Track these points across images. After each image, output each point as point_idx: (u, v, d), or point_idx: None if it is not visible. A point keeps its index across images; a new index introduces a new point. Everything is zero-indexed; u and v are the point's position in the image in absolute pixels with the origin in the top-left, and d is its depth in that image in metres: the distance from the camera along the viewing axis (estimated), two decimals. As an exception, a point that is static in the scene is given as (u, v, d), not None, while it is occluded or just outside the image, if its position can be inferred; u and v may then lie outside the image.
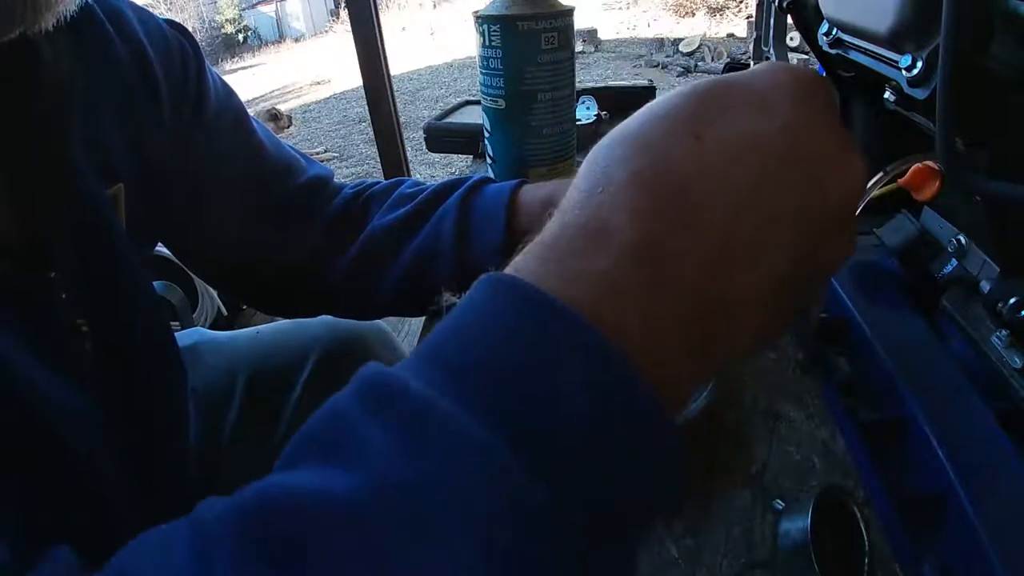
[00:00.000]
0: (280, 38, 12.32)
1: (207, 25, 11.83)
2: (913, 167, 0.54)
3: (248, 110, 0.58)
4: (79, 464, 0.35)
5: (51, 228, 0.36)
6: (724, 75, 0.24)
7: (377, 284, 0.57)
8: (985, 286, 0.52)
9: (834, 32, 0.59)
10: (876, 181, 0.54)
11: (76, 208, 0.38)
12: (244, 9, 12.77)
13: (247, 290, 0.64)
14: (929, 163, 0.54)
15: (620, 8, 9.14)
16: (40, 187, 0.35)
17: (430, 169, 3.70)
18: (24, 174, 0.34)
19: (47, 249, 0.35)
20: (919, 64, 0.45)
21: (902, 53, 0.47)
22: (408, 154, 1.78)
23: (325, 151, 4.40)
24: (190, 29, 0.53)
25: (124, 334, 0.41)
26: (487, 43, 0.65)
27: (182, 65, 0.49)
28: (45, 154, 0.35)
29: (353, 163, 4.15)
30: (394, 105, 1.69)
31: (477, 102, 0.87)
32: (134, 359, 0.42)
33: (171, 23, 0.51)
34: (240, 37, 12.53)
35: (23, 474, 0.32)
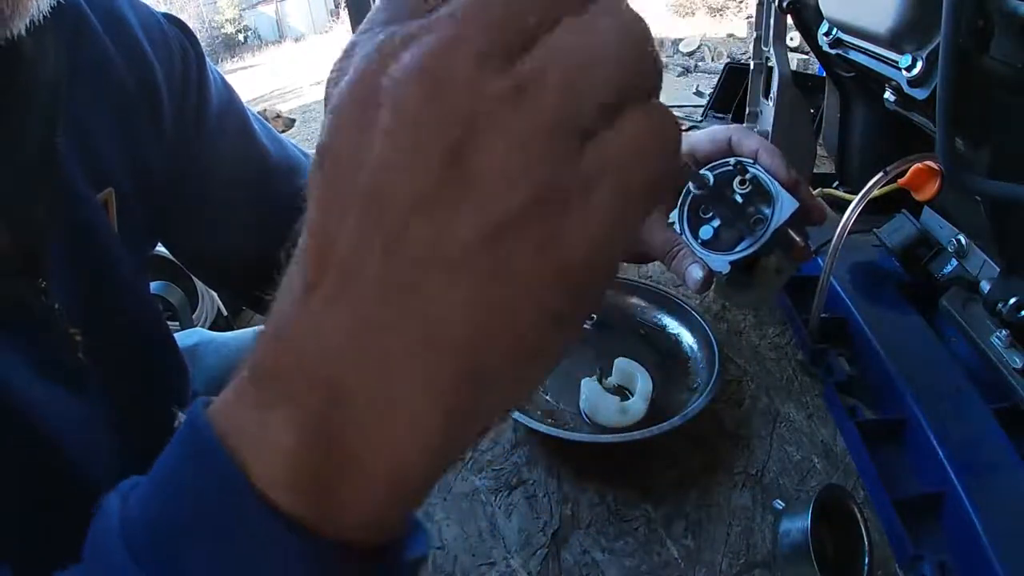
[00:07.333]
0: (280, 38, 12.32)
1: (207, 25, 11.82)
2: (913, 167, 0.54)
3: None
4: (79, 470, 0.35)
5: (39, 234, 0.35)
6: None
7: None
8: (985, 286, 0.52)
9: (834, 32, 0.59)
10: (876, 181, 0.54)
11: (64, 213, 0.37)
12: (244, 9, 12.77)
13: (251, 296, 0.63)
14: (929, 163, 0.54)
15: (620, 8, 9.11)
16: (27, 191, 0.35)
17: (430, 169, 3.70)
18: (10, 178, 0.34)
19: (36, 257, 0.35)
20: (919, 64, 0.45)
21: (902, 53, 0.47)
22: (408, 154, 1.78)
23: (325, 151, 4.39)
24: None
25: (118, 341, 0.41)
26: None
27: (183, 70, 0.48)
28: (32, 158, 0.35)
29: (353, 163, 4.16)
30: (394, 105, 1.70)
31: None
32: (131, 365, 0.42)
33: (170, 18, 0.50)
34: (240, 37, 12.53)
35: (23, 488, 0.32)
